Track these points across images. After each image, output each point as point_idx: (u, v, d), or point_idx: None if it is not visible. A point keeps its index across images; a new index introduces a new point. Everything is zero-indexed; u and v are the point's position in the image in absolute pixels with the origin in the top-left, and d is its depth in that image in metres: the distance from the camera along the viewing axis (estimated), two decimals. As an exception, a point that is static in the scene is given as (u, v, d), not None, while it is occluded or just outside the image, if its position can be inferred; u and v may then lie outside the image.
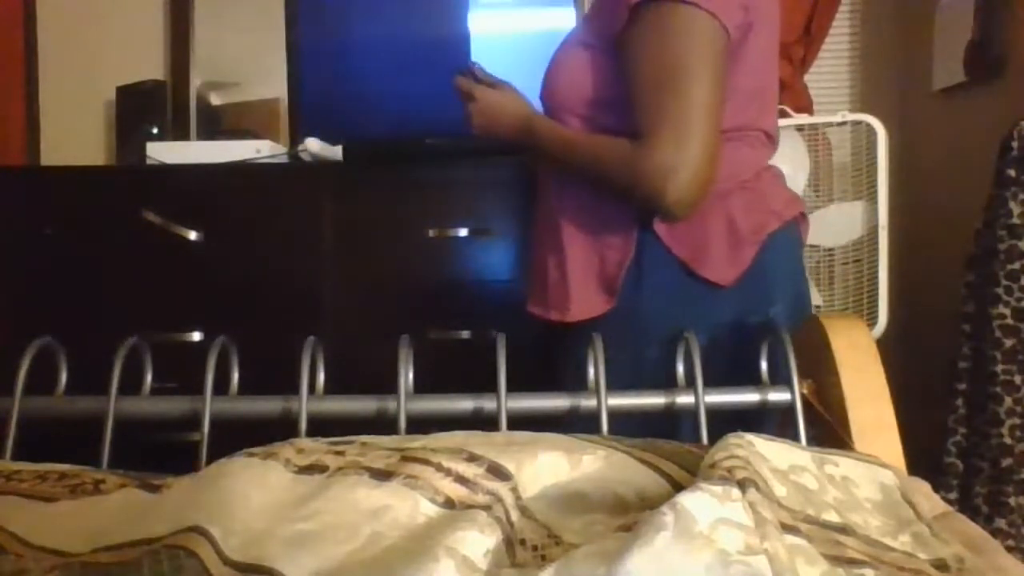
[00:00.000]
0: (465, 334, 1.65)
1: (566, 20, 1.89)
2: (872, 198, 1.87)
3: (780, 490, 0.56)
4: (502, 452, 0.62)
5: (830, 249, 1.90)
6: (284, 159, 1.81)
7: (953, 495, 1.58)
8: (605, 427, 0.76)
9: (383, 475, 0.60)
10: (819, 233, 1.83)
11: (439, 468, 0.60)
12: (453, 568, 0.50)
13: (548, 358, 1.13)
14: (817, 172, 1.90)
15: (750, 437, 0.59)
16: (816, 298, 1.82)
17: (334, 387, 0.82)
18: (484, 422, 0.78)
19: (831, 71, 2.32)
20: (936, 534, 0.58)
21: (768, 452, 0.59)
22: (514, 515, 0.58)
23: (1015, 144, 1.50)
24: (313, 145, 1.76)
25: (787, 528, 0.51)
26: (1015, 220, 1.49)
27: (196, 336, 1.63)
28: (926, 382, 1.68)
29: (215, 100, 2.23)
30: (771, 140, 1.11)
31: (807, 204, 1.31)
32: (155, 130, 2.02)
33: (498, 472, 0.60)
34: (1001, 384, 1.50)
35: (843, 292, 1.90)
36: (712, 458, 0.55)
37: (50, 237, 1.68)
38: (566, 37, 1.15)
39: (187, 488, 0.63)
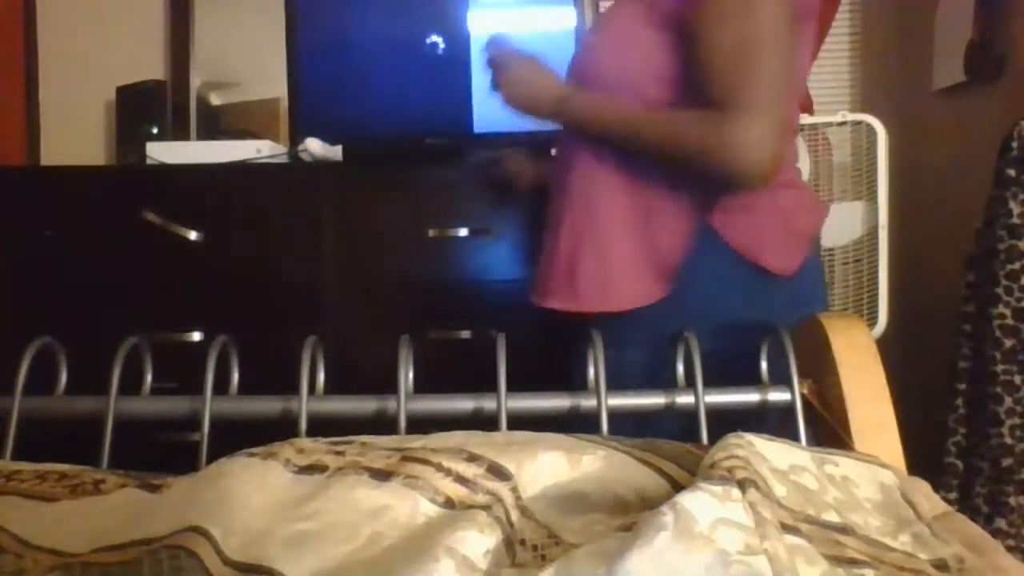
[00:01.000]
0: (465, 334, 1.65)
1: (566, 20, 1.88)
2: (872, 198, 1.87)
3: (780, 490, 0.55)
4: (502, 452, 0.62)
5: (830, 249, 1.90)
6: (284, 159, 1.81)
7: (953, 495, 1.58)
8: (605, 427, 0.76)
9: (383, 475, 0.60)
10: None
11: (439, 468, 0.60)
12: (453, 568, 0.50)
13: (554, 354, 1.12)
14: (817, 172, 1.90)
15: (750, 437, 0.59)
16: (816, 298, 1.83)
17: (334, 387, 0.82)
18: (484, 422, 0.78)
19: (831, 71, 2.32)
20: (936, 534, 0.58)
21: (768, 452, 0.59)
22: (514, 515, 0.58)
23: (1015, 144, 1.50)
24: (313, 145, 1.76)
25: (787, 528, 0.51)
26: (1015, 220, 1.49)
27: (196, 336, 1.63)
28: (926, 382, 1.68)
29: (215, 100, 2.23)
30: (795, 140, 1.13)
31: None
32: (155, 130, 2.02)
33: (498, 472, 0.60)
34: (1001, 384, 1.50)
35: (843, 292, 1.90)
36: (712, 458, 0.55)
37: (50, 237, 1.68)
38: (594, 23, 1.14)
39: (187, 488, 0.63)
